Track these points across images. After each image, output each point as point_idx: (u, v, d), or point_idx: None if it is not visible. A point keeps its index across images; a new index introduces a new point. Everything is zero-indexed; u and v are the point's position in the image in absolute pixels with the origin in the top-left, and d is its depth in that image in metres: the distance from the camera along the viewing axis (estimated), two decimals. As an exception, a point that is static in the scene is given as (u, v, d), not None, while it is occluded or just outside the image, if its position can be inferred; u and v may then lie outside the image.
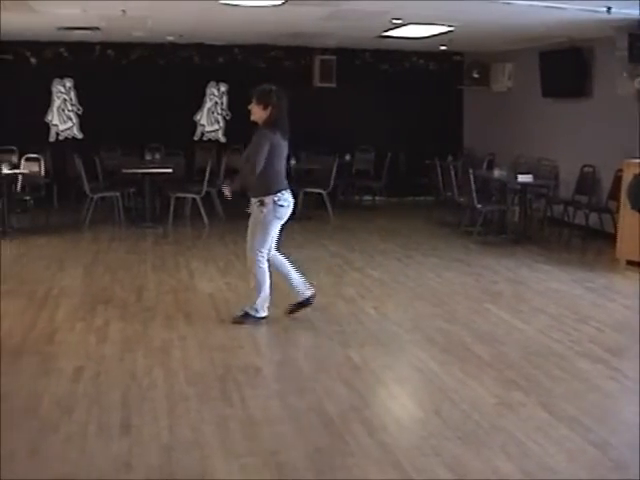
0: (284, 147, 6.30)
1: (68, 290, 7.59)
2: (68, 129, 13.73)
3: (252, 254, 6.37)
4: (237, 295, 7.41)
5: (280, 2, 8.57)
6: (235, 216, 11.96)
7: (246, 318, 6.45)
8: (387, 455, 4.04)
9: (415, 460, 3.98)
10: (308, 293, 6.57)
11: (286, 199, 6.26)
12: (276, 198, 6.20)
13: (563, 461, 3.98)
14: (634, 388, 5.12)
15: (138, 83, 13.27)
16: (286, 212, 6.30)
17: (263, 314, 6.47)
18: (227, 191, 6.34)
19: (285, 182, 6.33)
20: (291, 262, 6.58)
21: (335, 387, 5.05)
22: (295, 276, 6.53)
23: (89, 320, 6.55)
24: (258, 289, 6.39)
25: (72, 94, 13.64)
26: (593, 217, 10.29)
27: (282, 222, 6.38)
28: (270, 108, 6.19)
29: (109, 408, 4.68)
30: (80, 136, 13.71)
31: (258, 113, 6.24)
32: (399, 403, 4.99)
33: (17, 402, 4.76)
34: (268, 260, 6.41)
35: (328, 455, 4.05)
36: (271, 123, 6.21)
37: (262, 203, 6.20)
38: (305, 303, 6.59)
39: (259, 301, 6.41)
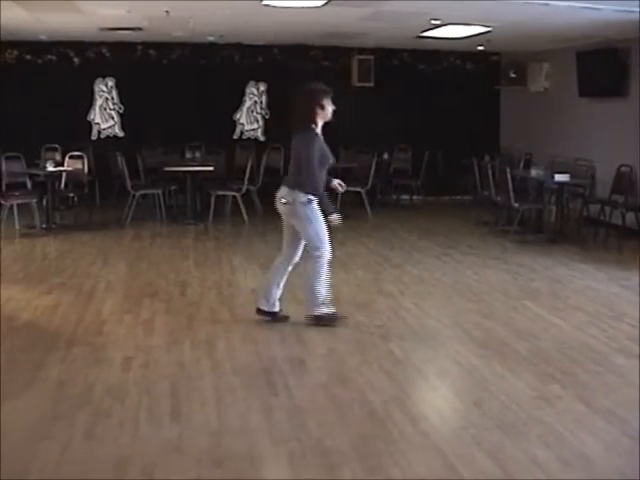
0: None
1: (114, 284, 7.81)
2: (110, 127, 14.01)
3: None
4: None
5: (321, 3, 8.73)
6: (274, 214, 12.19)
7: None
8: (429, 443, 4.19)
9: (456, 448, 4.12)
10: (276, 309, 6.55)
11: None
12: None
13: (600, 451, 4.10)
14: (670, 383, 5.23)
15: (179, 82, 13.52)
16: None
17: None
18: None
19: None
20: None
21: (377, 379, 5.20)
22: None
23: (136, 313, 6.76)
24: None
25: (114, 93, 13.93)
26: (630, 217, 10.34)
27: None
28: None
29: (159, 396, 4.86)
30: (121, 134, 14.00)
31: None
32: (439, 394, 5.13)
33: (71, 389, 4.96)
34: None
35: (372, 442, 4.20)
36: None
37: None
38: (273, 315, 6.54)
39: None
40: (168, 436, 4.27)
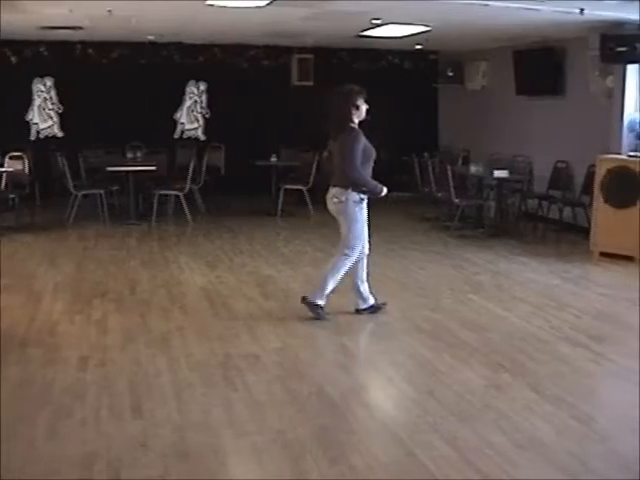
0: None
1: (63, 285, 7.79)
2: (49, 127, 13.88)
3: None
4: (229, 288, 7.67)
5: (264, 3, 8.79)
6: (217, 213, 12.26)
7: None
8: (388, 432, 4.34)
9: (415, 436, 4.26)
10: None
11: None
12: None
13: (552, 435, 4.28)
14: (613, 369, 5.48)
15: (118, 82, 13.42)
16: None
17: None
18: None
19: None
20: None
21: (333, 372, 5.33)
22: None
23: (87, 313, 6.76)
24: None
25: (52, 93, 13.80)
26: (567, 211, 10.64)
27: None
28: None
29: (118, 394, 4.90)
30: (61, 134, 13.87)
31: None
32: (395, 386, 5.24)
33: (30, 390, 4.97)
34: None
35: (333, 433, 4.32)
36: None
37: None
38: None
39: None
40: (132, 432, 4.31)
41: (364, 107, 6.48)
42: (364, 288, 6.70)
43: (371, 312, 6.71)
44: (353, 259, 6.51)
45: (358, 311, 6.71)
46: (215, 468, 3.93)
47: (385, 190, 6.53)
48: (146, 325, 6.42)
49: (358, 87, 6.53)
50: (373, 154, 6.51)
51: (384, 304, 6.78)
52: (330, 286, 6.52)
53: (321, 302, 6.55)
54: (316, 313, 6.53)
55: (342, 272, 6.52)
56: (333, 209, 6.53)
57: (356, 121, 6.46)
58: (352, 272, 6.66)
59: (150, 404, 4.73)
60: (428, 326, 6.43)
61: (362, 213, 6.49)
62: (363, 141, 6.40)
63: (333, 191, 6.48)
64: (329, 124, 6.53)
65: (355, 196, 6.38)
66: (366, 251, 6.71)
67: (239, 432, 4.33)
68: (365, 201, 6.48)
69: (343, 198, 6.39)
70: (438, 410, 4.63)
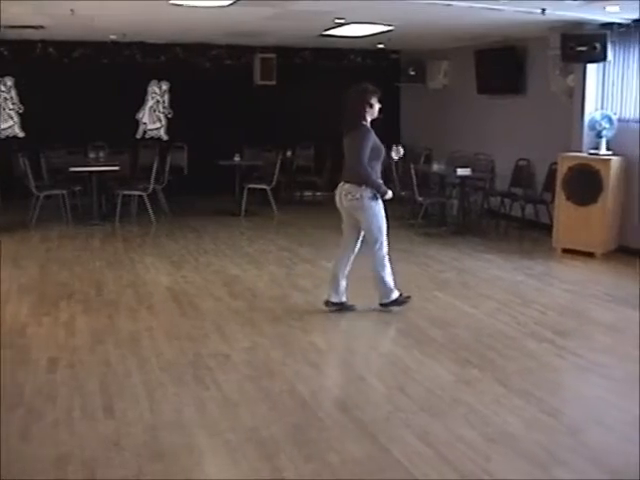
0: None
1: (28, 287, 7.72)
2: (9, 128, 13.70)
3: None
4: (195, 288, 7.67)
5: (227, 3, 8.79)
6: (181, 213, 12.22)
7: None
8: (361, 428, 4.37)
9: (387, 431, 4.32)
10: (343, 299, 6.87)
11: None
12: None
13: (521, 428, 4.36)
14: (580, 363, 5.58)
15: (80, 81, 13.30)
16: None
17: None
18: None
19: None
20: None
21: (304, 370, 5.35)
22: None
23: (54, 314, 6.72)
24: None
25: (13, 93, 13.62)
26: (529, 208, 10.77)
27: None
28: None
29: (90, 394, 4.90)
30: (22, 135, 13.71)
31: None
32: (365, 382, 5.27)
33: (1, 392, 4.93)
34: None
35: (306, 430, 4.35)
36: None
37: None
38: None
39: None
40: (105, 432, 4.32)
41: (377, 106, 6.59)
42: (342, 284, 6.77)
43: (338, 309, 6.75)
44: (386, 248, 6.65)
45: (327, 303, 6.77)
46: (190, 467, 3.96)
47: (390, 193, 6.58)
48: (114, 326, 6.41)
49: (373, 86, 6.63)
50: (382, 153, 6.60)
51: (353, 306, 6.81)
52: (389, 278, 6.70)
53: (395, 295, 6.75)
54: (401, 303, 6.79)
55: (387, 263, 6.68)
56: (348, 206, 6.59)
57: (368, 119, 6.58)
58: (337, 264, 6.80)
59: (122, 404, 4.74)
60: (396, 323, 6.50)
61: (379, 207, 6.54)
62: (373, 139, 6.50)
63: (346, 187, 6.56)
64: (342, 121, 6.68)
65: (369, 192, 6.46)
66: (356, 250, 6.81)
67: (212, 431, 4.36)
68: (379, 198, 6.52)
69: (358, 195, 6.47)
70: (409, 406, 4.70)
